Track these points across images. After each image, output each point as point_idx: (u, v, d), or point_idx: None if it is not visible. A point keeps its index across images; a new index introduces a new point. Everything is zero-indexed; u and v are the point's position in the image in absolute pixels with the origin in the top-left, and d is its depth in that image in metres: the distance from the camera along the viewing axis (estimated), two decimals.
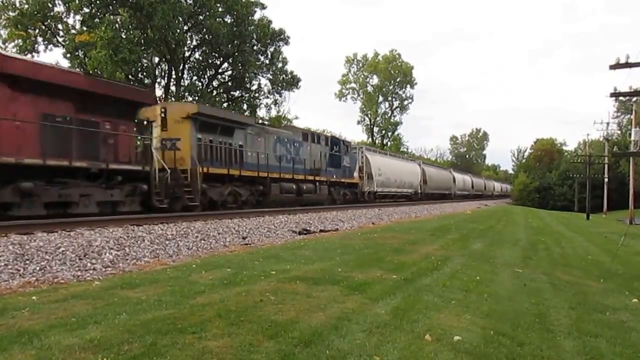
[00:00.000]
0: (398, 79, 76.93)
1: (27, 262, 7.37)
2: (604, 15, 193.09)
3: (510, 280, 8.08)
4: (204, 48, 36.43)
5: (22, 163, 10.86)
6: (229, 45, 34.68)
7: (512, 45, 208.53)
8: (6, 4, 30.23)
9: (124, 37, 29.20)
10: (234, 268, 7.33)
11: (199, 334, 4.09)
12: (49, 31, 32.03)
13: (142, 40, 31.08)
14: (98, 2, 29.85)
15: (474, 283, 7.28)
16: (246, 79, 38.03)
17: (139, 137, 16.29)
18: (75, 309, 4.80)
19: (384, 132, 79.29)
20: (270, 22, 36.75)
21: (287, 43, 38.68)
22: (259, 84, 39.87)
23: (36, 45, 31.81)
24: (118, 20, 29.72)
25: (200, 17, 33.55)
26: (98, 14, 30.11)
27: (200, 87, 36.91)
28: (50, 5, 30.35)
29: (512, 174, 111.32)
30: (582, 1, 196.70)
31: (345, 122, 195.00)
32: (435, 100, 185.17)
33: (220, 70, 38.63)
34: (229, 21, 34.80)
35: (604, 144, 50.91)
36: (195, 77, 38.25)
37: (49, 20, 31.34)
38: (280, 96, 41.20)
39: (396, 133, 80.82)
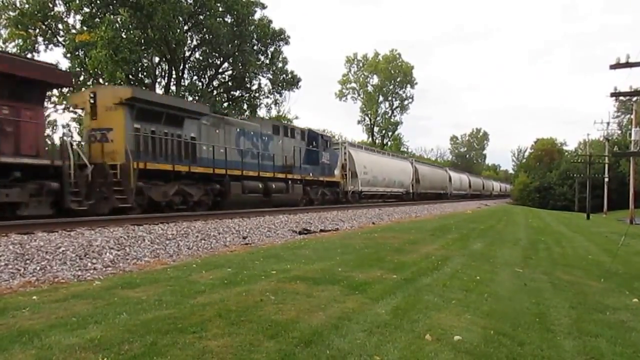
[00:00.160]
0: (398, 79, 76.90)
1: (28, 261, 7.38)
2: (604, 15, 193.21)
3: (510, 280, 8.08)
4: (204, 48, 36.40)
5: None
6: (229, 45, 34.65)
7: (512, 45, 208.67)
8: (6, 4, 30.21)
9: (124, 36, 29.17)
10: (235, 268, 7.34)
11: (200, 334, 4.09)
12: (49, 31, 31.99)
13: (143, 40, 31.07)
14: (98, 2, 29.83)
15: (474, 283, 7.28)
16: (246, 79, 38.00)
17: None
18: (76, 309, 4.81)
19: (384, 132, 79.30)
20: (270, 21, 36.73)
21: (287, 43, 38.64)
22: (259, 84, 39.85)
23: (36, 45, 31.76)
24: (118, 20, 29.68)
25: (201, 17, 33.52)
26: (98, 13, 30.09)
27: (201, 87, 36.88)
28: (50, 5, 30.33)
29: (513, 174, 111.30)
30: (582, 1, 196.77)
31: (345, 122, 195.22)
32: (435, 100, 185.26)
33: (220, 70, 38.60)
34: (229, 21, 34.78)
35: (604, 143, 50.90)
36: (195, 77, 38.21)
37: (49, 20, 31.30)
38: (281, 96, 41.17)
39: (396, 133, 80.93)
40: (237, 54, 35.48)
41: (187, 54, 36.41)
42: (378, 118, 78.48)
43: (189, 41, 35.34)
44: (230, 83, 39.03)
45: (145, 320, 4.41)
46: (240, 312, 4.78)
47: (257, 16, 36.23)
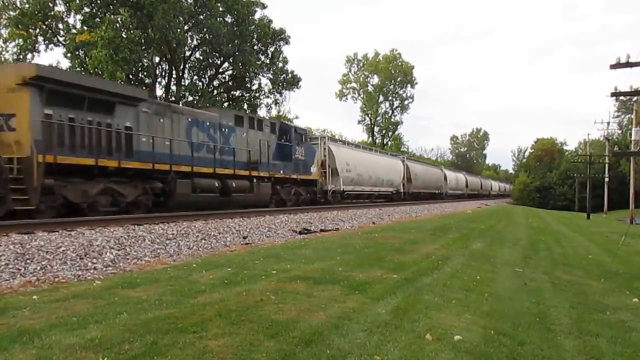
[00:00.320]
0: (398, 79, 76.89)
1: (28, 261, 7.38)
2: (604, 14, 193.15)
3: (510, 280, 8.08)
4: (204, 48, 36.41)
5: None
6: (230, 45, 34.66)
7: (513, 44, 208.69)
8: (7, 4, 30.23)
9: (124, 36, 29.18)
10: (235, 267, 7.34)
11: (200, 334, 4.10)
12: (50, 31, 32.00)
13: (143, 40, 31.07)
14: (99, 1, 29.85)
15: (475, 282, 7.28)
16: (247, 79, 38.01)
17: None
18: (76, 309, 4.81)
19: (384, 131, 79.31)
20: (270, 21, 36.72)
21: (287, 43, 38.64)
22: (260, 84, 39.86)
23: (37, 45, 31.78)
24: (119, 19, 29.68)
25: (201, 17, 33.53)
26: (99, 13, 30.10)
27: (201, 86, 36.91)
28: (50, 5, 30.34)
29: (513, 174, 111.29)
30: (582, 1, 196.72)
31: (345, 121, 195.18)
32: (435, 100, 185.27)
33: (220, 70, 38.61)
34: (229, 21, 34.79)
35: (605, 143, 50.88)
36: (195, 77, 38.23)
37: (49, 20, 31.31)
38: (281, 96, 41.18)
39: (397, 133, 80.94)
40: (237, 53, 35.48)
41: (188, 53, 36.43)
42: (378, 118, 78.51)
43: (189, 41, 35.35)
44: (230, 83, 39.05)
45: (146, 320, 4.41)
46: (241, 311, 4.78)
47: (257, 16, 36.25)
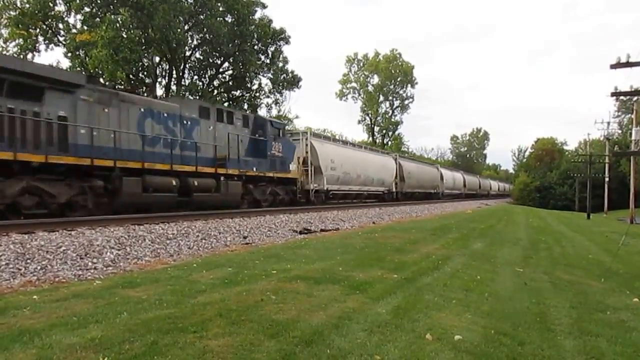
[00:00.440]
0: (399, 79, 76.88)
1: (28, 261, 7.38)
2: (605, 14, 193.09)
3: (511, 280, 8.08)
4: (204, 47, 36.38)
5: None
6: (230, 45, 34.64)
7: (513, 44, 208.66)
8: (7, 3, 30.23)
9: (124, 36, 29.18)
10: (235, 267, 7.34)
11: (200, 333, 4.10)
12: (50, 30, 31.99)
13: (143, 40, 31.06)
14: (99, 1, 29.86)
15: (475, 282, 7.28)
16: (247, 79, 37.99)
17: None
18: (76, 308, 4.81)
19: (384, 131, 79.31)
20: (270, 21, 36.69)
21: (287, 42, 38.61)
22: (260, 84, 39.82)
23: (37, 45, 31.78)
24: (119, 19, 29.67)
25: (201, 17, 33.51)
26: (99, 13, 30.11)
27: (201, 86, 36.91)
28: (51, 5, 30.34)
29: (513, 174, 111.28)
30: (582, 0, 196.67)
31: (346, 121, 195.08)
32: (435, 99, 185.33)
33: (221, 70, 38.59)
34: (229, 21, 34.77)
35: (605, 143, 50.89)
36: (196, 77, 38.20)
37: (49, 20, 31.31)
38: (281, 96, 41.16)
39: (397, 133, 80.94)
40: (237, 53, 35.47)
41: (188, 53, 36.42)
42: (378, 118, 78.50)
43: (189, 41, 35.34)
44: (230, 83, 39.04)
45: (146, 320, 4.41)
46: (241, 311, 4.78)
47: (257, 16, 36.24)
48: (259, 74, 38.81)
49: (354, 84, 78.76)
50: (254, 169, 19.23)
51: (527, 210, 44.14)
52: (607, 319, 6.15)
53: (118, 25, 29.00)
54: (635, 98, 38.30)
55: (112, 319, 4.41)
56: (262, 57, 37.83)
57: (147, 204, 14.63)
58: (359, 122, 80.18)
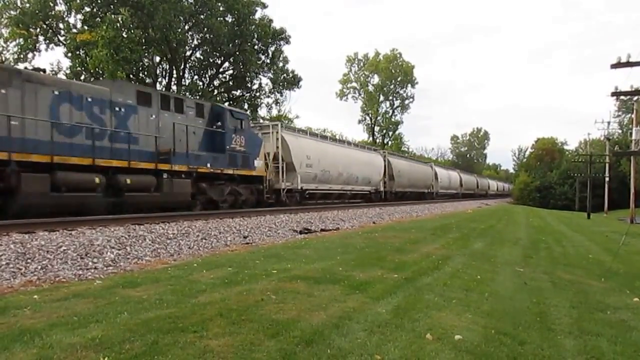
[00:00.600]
0: (399, 78, 76.90)
1: (29, 261, 7.39)
2: (605, 14, 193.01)
3: (511, 280, 8.08)
4: (205, 47, 36.42)
5: None
6: (230, 45, 34.67)
7: (513, 44, 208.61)
8: (7, 3, 30.25)
9: (125, 36, 29.19)
10: (235, 267, 7.34)
11: (200, 333, 4.10)
12: (50, 30, 32.02)
13: (143, 40, 31.08)
14: (99, 1, 29.88)
15: (475, 282, 7.28)
16: (247, 79, 38.02)
17: None
18: (77, 308, 4.81)
19: (384, 131, 79.33)
20: (271, 21, 36.71)
21: (288, 42, 38.64)
22: (260, 84, 39.87)
23: (37, 45, 31.80)
24: (119, 19, 29.69)
25: (201, 17, 33.53)
26: (99, 13, 30.13)
27: (201, 86, 36.92)
28: (51, 5, 30.36)
29: (513, 173, 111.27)
30: (582, 0, 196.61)
31: (346, 121, 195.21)
32: (436, 99, 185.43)
33: (221, 70, 38.62)
34: (230, 20, 34.80)
35: (605, 143, 50.88)
36: (196, 77, 38.26)
37: (50, 20, 31.33)
38: (281, 95, 41.19)
39: (397, 132, 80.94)
40: (237, 53, 35.49)
41: (188, 53, 36.44)
42: (379, 117, 78.53)
43: (189, 41, 35.38)
44: (231, 82, 39.07)
45: (146, 320, 4.42)
46: (241, 311, 4.78)
47: (257, 15, 36.25)
48: (259, 74, 38.84)
49: (354, 84, 78.83)
50: (208, 165, 16.79)
51: (528, 210, 44.13)
52: (608, 319, 6.15)
53: (118, 25, 29.01)
54: (635, 98, 38.29)
55: (113, 319, 4.41)
56: (263, 57, 37.86)
57: (59, 205, 12.05)
58: (359, 121, 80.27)
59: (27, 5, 29.86)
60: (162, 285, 6.01)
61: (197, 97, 32.53)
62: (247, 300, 5.24)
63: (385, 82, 76.48)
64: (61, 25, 32.51)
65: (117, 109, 13.81)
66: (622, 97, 47.32)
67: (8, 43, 31.10)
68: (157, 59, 35.82)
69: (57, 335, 3.91)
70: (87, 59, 29.08)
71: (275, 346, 3.90)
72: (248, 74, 37.37)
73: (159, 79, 36.40)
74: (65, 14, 31.63)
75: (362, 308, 5.22)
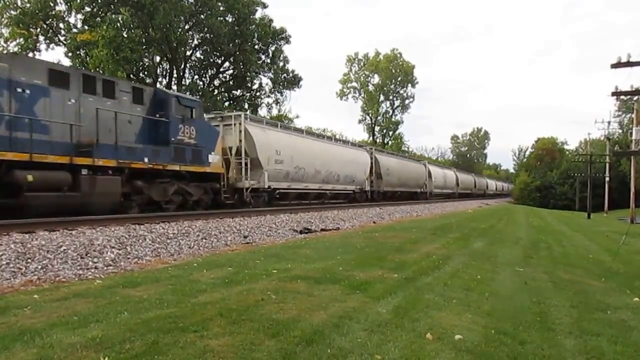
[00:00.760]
0: (399, 78, 76.96)
1: (29, 260, 7.39)
2: (605, 14, 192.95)
3: (511, 279, 8.08)
4: (205, 47, 36.46)
5: None
6: (230, 45, 34.71)
7: (513, 44, 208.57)
8: (8, 3, 30.28)
9: (125, 36, 29.23)
10: (236, 267, 7.34)
11: (201, 333, 4.10)
12: (51, 30, 32.06)
13: (144, 39, 31.12)
14: (99, 1, 29.90)
15: (475, 282, 7.28)
16: (247, 78, 38.07)
17: None
18: (77, 308, 4.81)
19: (385, 131, 79.39)
20: (271, 20, 36.76)
21: (288, 42, 38.70)
22: (260, 83, 39.95)
23: (38, 44, 31.84)
24: (119, 19, 29.72)
25: (202, 16, 33.56)
26: (99, 13, 30.16)
27: (202, 86, 36.94)
28: (51, 4, 30.39)
29: (513, 173, 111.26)
30: (583, 0, 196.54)
31: (346, 121, 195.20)
32: (436, 99, 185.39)
33: (221, 70, 38.67)
34: (230, 20, 34.83)
35: (605, 143, 50.86)
36: (196, 76, 38.32)
37: (50, 19, 31.38)
38: (282, 95, 41.23)
39: (397, 132, 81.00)
40: (238, 53, 35.52)
41: (188, 53, 36.48)
42: (379, 117, 78.61)
43: (190, 40, 35.41)
44: (231, 82, 39.11)
45: (147, 319, 4.42)
46: (242, 311, 4.78)
47: (258, 15, 36.29)
48: (260, 74, 38.91)
49: (354, 84, 78.92)
50: (146, 160, 14.20)
51: (528, 210, 44.12)
52: (608, 319, 6.15)
53: (119, 24, 29.06)
54: (635, 98, 38.26)
55: (113, 319, 4.41)
56: (263, 57, 37.92)
57: None
58: (360, 121, 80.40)
59: (28, 5, 29.89)
60: (162, 285, 6.01)
61: (198, 97, 32.43)
62: (247, 300, 5.24)
63: (385, 82, 76.54)
64: (61, 25, 32.57)
65: (18, 90, 11.41)
66: (622, 97, 47.30)
67: (8, 43, 31.14)
68: (158, 58, 35.85)
69: (57, 335, 3.91)
70: (88, 58, 29.12)
71: (276, 346, 3.90)
72: (248, 73, 37.41)
73: (159, 79, 36.44)
74: (66, 13, 31.68)
75: (362, 308, 5.22)
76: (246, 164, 18.93)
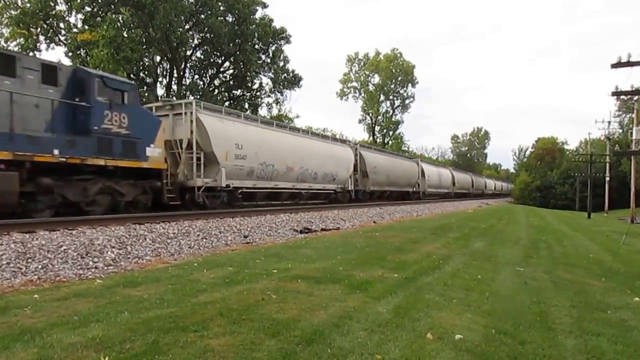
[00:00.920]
0: (399, 78, 76.95)
1: (29, 260, 7.39)
2: (606, 14, 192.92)
3: (511, 279, 8.08)
4: (205, 47, 36.47)
5: None
6: (231, 44, 34.71)
7: (514, 44, 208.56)
8: (8, 3, 30.30)
9: (125, 36, 29.24)
10: (236, 267, 7.34)
11: (201, 333, 4.10)
12: (51, 30, 32.07)
13: (144, 39, 31.12)
14: (100, 1, 29.90)
15: (475, 282, 7.28)
16: (248, 78, 38.08)
17: None
18: (77, 308, 4.82)
19: (385, 131, 79.39)
20: (271, 20, 36.76)
21: (288, 42, 38.71)
22: (261, 83, 39.97)
23: (38, 44, 31.86)
24: (120, 19, 29.73)
25: (202, 16, 33.57)
26: (100, 12, 30.18)
27: (202, 86, 36.95)
28: (52, 4, 30.40)
29: (514, 173, 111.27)
30: (583, 0, 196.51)
31: (347, 121, 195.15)
32: (436, 99, 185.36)
33: (221, 69, 38.68)
34: (230, 20, 34.83)
35: (606, 142, 50.84)
36: (196, 76, 38.33)
37: (50, 19, 31.40)
38: (282, 95, 41.25)
39: (398, 132, 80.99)
40: (238, 53, 35.53)
41: (189, 53, 36.50)
42: (379, 117, 78.60)
43: (190, 40, 35.41)
44: (231, 82, 39.12)
45: (147, 319, 4.42)
46: (242, 310, 4.79)
47: (258, 15, 36.30)
48: (260, 73, 38.93)
49: (354, 84, 78.92)
50: (56, 152, 11.70)
51: (528, 210, 44.13)
52: (608, 318, 6.15)
53: (119, 24, 29.06)
54: (635, 97, 38.25)
55: (113, 318, 4.42)
56: (263, 57, 37.94)
57: None
58: (360, 121, 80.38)
59: (28, 5, 29.90)
60: (162, 284, 6.01)
61: (197, 97, 32.21)
62: (247, 300, 5.24)
63: (385, 82, 76.53)
64: (62, 25, 32.58)
65: None
66: (622, 96, 47.33)
67: (9, 43, 31.14)
68: (158, 58, 35.86)
69: (57, 335, 3.91)
70: (88, 58, 29.11)
71: (276, 345, 3.90)
72: (248, 73, 37.42)
73: (160, 79, 36.46)
74: (66, 13, 31.70)
75: (362, 307, 5.22)
76: (198, 159, 16.46)
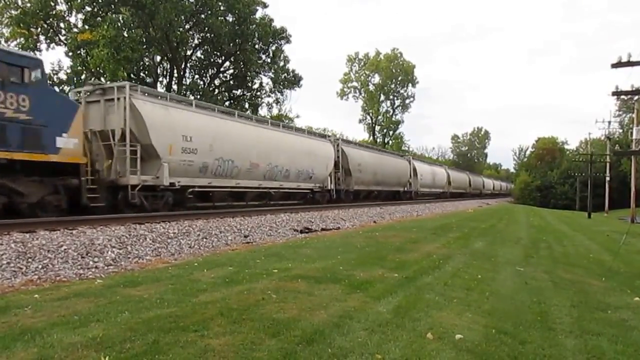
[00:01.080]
0: (400, 78, 76.91)
1: (30, 260, 7.39)
2: (606, 13, 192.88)
3: (511, 279, 8.08)
4: (205, 47, 36.47)
5: None
6: (231, 44, 34.71)
7: (514, 43, 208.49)
8: (8, 3, 30.30)
9: (126, 35, 29.23)
10: (236, 266, 7.35)
11: (201, 332, 4.10)
12: (51, 30, 32.07)
13: (144, 39, 31.11)
14: (100, 0, 29.91)
15: (476, 281, 7.28)
16: (248, 78, 38.08)
17: None
18: (78, 307, 4.82)
19: (385, 130, 79.37)
20: (271, 20, 36.75)
21: (288, 41, 38.70)
22: (261, 83, 39.96)
23: (38, 44, 31.86)
24: (120, 19, 29.73)
25: (202, 16, 33.57)
26: (100, 12, 30.18)
27: (202, 85, 36.95)
28: (52, 4, 30.40)
29: (514, 173, 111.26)
30: (583, 0, 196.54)
31: (347, 121, 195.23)
32: (436, 99, 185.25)
33: (222, 69, 38.68)
34: (230, 20, 34.83)
35: (606, 142, 50.84)
36: (197, 76, 38.32)
37: (51, 19, 31.39)
38: (282, 95, 41.25)
39: (398, 132, 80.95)
40: (238, 52, 35.52)
41: (189, 52, 36.50)
42: (379, 117, 78.56)
43: (190, 40, 35.42)
44: (231, 82, 39.12)
45: (147, 319, 4.42)
46: (242, 310, 4.79)
47: (258, 15, 36.29)
48: (260, 73, 38.93)
49: (355, 83, 78.88)
50: None
51: (528, 210, 44.12)
52: (608, 318, 6.15)
53: (119, 24, 29.05)
54: (636, 97, 38.22)
55: (113, 318, 4.42)
56: (263, 56, 37.92)
57: None
58: (360, 121, 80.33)
59: (28, 4, 29.90)
60: (162, 284, 6.01)
61: (197, 97, 32.23)
62: (248, 300, 5.24)
63: (385, 82, 76.50)
64: (62, 25, 32.57)
65: None
66: (622, 96, 47.26)
67: (9, 42, 31.13)
68: (158, 58, 35.87)
69: (57, 335, 3.92)
70: (88, 58, 29.14)
71: (276, 345, 3.90)
72: (249, 73, 37.43)
73: (160, 79, 36.46)
74: (66, 13, 31.70)
75: (362, 307, 5.22)
76: (134, 153, 13.78)
